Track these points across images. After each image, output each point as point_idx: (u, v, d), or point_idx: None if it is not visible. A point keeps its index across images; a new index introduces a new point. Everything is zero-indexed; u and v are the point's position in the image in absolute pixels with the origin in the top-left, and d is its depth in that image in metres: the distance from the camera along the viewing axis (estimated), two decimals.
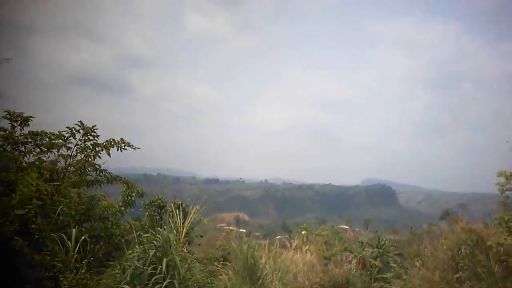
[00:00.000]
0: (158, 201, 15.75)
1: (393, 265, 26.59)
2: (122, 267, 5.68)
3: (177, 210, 12.38)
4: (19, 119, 8.56)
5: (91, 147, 9.18)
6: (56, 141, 8.82)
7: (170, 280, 5.43)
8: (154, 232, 6.32)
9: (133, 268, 5.65)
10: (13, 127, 8.54)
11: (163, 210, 14.23)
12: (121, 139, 9.51)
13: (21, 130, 8.63)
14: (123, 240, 7.50)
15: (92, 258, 6.38)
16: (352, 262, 28.14)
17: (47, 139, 8.87)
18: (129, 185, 10.61)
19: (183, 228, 10.49)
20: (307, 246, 23.67)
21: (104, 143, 9.33)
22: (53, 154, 8.92)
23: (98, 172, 9.62)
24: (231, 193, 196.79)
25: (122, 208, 10.78)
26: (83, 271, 5.65)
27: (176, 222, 10.69)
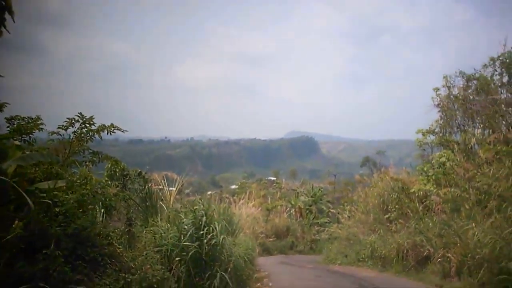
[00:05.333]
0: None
1: (328, 210, 29.91)
2: (179, 229, 7.43)
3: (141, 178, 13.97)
4: None
5: (84, 132, 10.39)
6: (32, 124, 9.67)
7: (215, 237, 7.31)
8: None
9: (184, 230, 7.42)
10: None
11: (127, 178, 15.23)
12: (111, 124, 10.76)
13: None
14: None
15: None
16: (290, 211, 31.17)
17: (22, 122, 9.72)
18: (117, 162, 11.97)
19: (170, 196, 12.16)
20: (252, 201, 25.85)
21: (97, 129, 10.54)
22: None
23: (93, 154, 10.92)
24: (156, 153, 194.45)
25: (109, 182, 12.10)
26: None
27: (164, 191, 12.30)
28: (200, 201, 8.70)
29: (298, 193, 33.25)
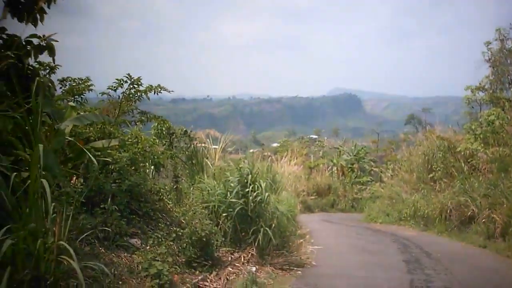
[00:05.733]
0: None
1: (370, 169, 29.74)
2: (225, 187, 7.83)
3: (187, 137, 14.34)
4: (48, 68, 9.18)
5: (132, 93, 10.75)
6: (82, 85, 10.00)
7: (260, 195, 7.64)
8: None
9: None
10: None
11: (173, 136, 15.51)
12: (158, 85, 11.05)
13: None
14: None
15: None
16: (332, 169, 31.20)
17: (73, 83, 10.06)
18: (164, 121, 12.39)
19: (214, 154, 12.49)
20: (295, 159, 26.01)
21: (145, 89, 10.86)
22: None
23: (141, 114, 11.32)
24: (198, 112, 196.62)
25: (157, 140, 12.53)
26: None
27: (209, 149, 12.63)
28: (245, 160, 8.94)
29: (340, 151, 33.07)
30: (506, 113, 14.44)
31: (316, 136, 55.15)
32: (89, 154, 4.85)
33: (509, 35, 16.46)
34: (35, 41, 5.68)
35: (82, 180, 5.60)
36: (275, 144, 55.52)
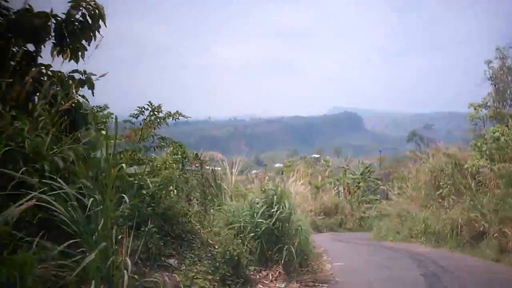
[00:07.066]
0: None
1: (377, 187, 30.01)
2: (252, 208, 8.22)
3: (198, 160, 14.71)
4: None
5: (153, 120, 11.23)
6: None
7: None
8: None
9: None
10: None
11: (186, 160, 15.84)
12: (176, 111, 11.54)
13: None
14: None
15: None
16: (339, 189, 31.47)
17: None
18: (181, 146, 12.85)
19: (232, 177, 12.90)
20: (302, 179, 26.32)
21: (164, 116, 11.35)
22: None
23: (161, 139, 11.80)
24: (200, 133, 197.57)
25: (173, 165, 12.93)
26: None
27: (227, 173, 13.02)
28: (270, 181, 9.38)
29: (346, 170, 33.38)
30: (510, 129, 14.84)
31: (318, 156, 55.32)
32: (119, 179, 5.26)
33: (508, 54, 16.98)
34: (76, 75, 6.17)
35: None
36: (277, 165, 55.85)
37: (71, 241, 3.58)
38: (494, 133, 14.92)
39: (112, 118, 11.17)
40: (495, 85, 17.34)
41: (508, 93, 17.04)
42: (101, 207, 3.82)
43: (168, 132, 11.58)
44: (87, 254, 3.65)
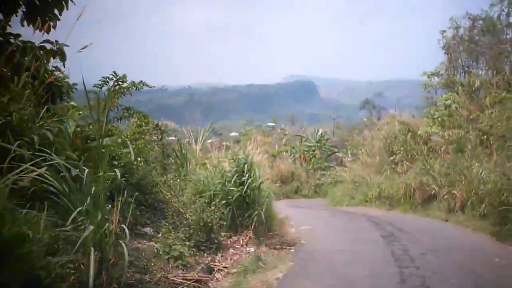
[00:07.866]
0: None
1: (332, 153, 30.81)
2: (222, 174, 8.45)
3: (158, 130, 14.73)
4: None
5: (117, 90, 11.09)
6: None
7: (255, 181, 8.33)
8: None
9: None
10: None
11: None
12: (141, 81, 11.44)
13: None
14: None
15: None
16: (295, 156, 32.09)
17: None
18: (145, 116, 12.79)
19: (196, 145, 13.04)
20: (259, 148, 26.62)
21: (128, 86, 11.23)
22: None
23: (125, 110, 11.69)
24: (155, 102, 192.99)
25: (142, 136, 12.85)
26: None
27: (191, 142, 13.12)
28: (240, 151, 9.59)
29: (302, 138, 33.92)
30: (460, 97, 15.59)
31: (274, 124, 55.40)
32: (89, 151, 5.34)
33: (461, 24, 17.53)
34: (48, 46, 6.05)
35: None
36: (233, 134, 55.76)
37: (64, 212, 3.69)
38: (446, 100, 15.65)
39: (76, 88, 11.02)
40: (448, 54, 17.95)
41: (459, 62, 17.73)
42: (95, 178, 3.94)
43: (122, 101, 11.48)
44: (80, 224, 3.78)
